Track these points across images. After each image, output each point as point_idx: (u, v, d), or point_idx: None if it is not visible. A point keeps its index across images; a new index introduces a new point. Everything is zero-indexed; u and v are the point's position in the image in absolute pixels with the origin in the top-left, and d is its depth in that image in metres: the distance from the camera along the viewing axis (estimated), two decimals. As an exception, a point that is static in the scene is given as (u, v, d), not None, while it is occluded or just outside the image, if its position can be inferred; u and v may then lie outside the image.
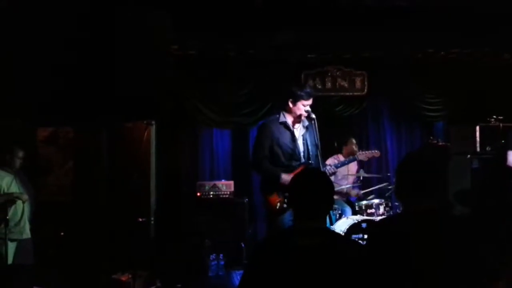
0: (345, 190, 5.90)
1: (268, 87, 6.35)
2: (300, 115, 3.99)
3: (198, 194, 5.97)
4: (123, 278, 4.93)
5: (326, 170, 4.06)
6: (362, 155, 4.39)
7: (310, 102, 4.00)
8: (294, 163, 3.99)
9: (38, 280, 4.76)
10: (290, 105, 4.01)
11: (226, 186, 6.04)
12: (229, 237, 5.73)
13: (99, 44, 5.59)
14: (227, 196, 5.98)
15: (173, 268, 5.23)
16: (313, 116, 3.97)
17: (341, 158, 5.94)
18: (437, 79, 6.61)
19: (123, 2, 5.18)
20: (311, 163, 3.96)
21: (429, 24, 5.73)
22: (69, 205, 5.79)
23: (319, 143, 3.95)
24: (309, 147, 4.02)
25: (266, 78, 6.36)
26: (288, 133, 4.02)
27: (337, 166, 4.23)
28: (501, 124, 5.41)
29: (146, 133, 5.46)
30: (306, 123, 4.07)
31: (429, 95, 6.68)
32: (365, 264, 2.02)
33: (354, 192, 5.99)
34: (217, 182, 6.10)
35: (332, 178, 4.68)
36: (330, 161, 5.62)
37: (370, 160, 4.65)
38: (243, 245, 5.72)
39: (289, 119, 4.05)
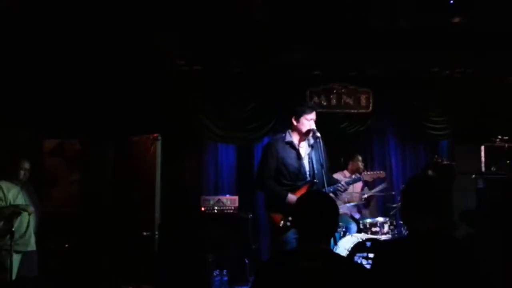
0: (349, 210, 5.89)
1: (273, 103, 6.40)
2: (308, 132, 4.00)
3: (203, 208, 5.97)
4: (127, 292, 4.93)
5: (338, 187, 4.07)
6: (368, 176, 4.41)
7: (313, 116, 4.02)
8: (299, 182, 4.00)
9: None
10: (294, 122, 4.04)
11: (230, 201, 6.04)
12: (233, 253, 5.70)
13: (107, 59, 5.67)
14: (231, 211, 5.97)
15: (177, 282, 5.21)
16: (318, 134, 3.99)
17: (347, 174, 5.95)
18: (441, 98, 6.65)
19: (131, 18, 5.24)
20: (316, 181, 3.96)
21: (433, 43, 5.79)
22: (74, 217, 5.80)
23: (324, 162, 3.97)
24: (315, 166, 4.03)
25: (271, 94, 6.41)
26: (293, 152, 4.04)
27: (348, 184, 4.25)
28: (506, 145, 5.42)
29: (152, 147, 5.50)
30: (312, 141, 4.08)
31: (433, 113, 6.70)
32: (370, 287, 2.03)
33: (356, 198, 5.96)
34: (221, 197, 6.10)
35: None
36: (336, 177, 5.62)
37: (374, 180, 4.67)
38: (247, 261, 5.70)
39: (295, 138, 4.07)
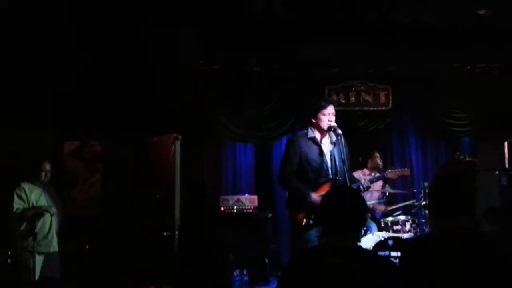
0: (371, 206, 5.84)
1: (292, 101, 6.37)
2: (329, 128, 3.97)
3: (222, 208, 5.96)
4: (148, 292, 4.94)
5: (361, 184, 4.04)
6: (392, 173, 4.34)
7: (330, 110, 3.99)
8: (322, 179, 3.97)
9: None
10: (313, 120, 4.03)
11: (249, 200, 6.02)
12: (252, 252, 5.68)
13: (126, 60, 5.69)
14: (250, 210, 5.96)
15: (197, 282, 5.21)
16: (339, 131, 3.95)
17: (366, 172, 5.89)
18: (463, 94, 6.53)
19: (151, 18, 5.26)
20: (338, 179, 3.93)
21: (454, 38, 5.70)
22: (94, 218, 5.84)
23: (346, 159, 3.93)
24: (337, 163, 3.99)
25: (290, 93, 6.38)
26: (316, 148, 4.01)
27: (372, 181, 4.20)
28: (529, 140, 5.29)
29: (172, 147, 5.51)
30: (334, 138, 4.05)
31: (454, 110, 6.59)
32: (398, 284, 2.00)
33: (380, 208, 5.92)
34: (240, 197, 6.09)
35: None
36: (355, 175, 5.58)
37: (397, 177, 4.59)
38: (266, 260, 5.68)
39: (317, 134, 4.05)
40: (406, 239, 4.87)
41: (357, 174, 5.70)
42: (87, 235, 5.68)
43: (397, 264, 2.38)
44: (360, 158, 6.13)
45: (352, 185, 3.97)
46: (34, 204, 4.75)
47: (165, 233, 5.30)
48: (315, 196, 3.84)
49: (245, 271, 5.50)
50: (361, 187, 4.02)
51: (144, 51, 5.65)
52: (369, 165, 6.09)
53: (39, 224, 4.67)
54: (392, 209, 5.82)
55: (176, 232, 5.53)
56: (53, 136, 5.97)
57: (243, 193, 6.29)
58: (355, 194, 2.25)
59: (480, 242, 2.11)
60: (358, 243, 4.42)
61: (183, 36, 5.58)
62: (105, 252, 5.60)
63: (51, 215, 4.79)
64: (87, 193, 6.19)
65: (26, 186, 4.77)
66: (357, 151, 6.21)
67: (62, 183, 5.85)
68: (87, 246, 5.55)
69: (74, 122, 5.84)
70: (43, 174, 4.85)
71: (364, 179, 4.19)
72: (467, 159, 5.87)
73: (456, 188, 2.20)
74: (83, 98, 5.72)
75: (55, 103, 5.67)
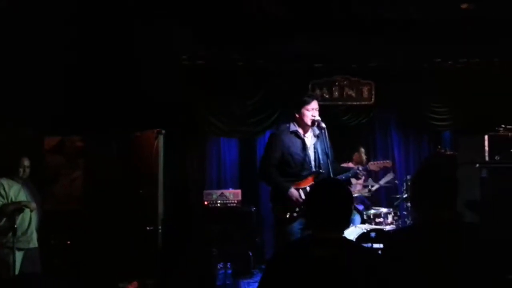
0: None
1: (275, 96, 6.38)
2: (313, 122, 3.98)
3: (206, 202, 5.96)
4: (131, 287, 4.90)
5: (358, 171, 4.16)
6: (374, 165, 4.37)
7: (314, 105, 3.99)
8: (305, 172, 3.97)
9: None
10: (297, 115, 4.04)
11: (233, 194, 6.03)
12: (236, 246, 5.70)
13: (109, 54, 5.62)
14: (234, 204, 5.97)
15: (181, 276, 5.19)
16: (323, 125, 3.96)
17: (351, 166, 5.92)
18: (444, 89, 6.62)
19: (134, 14, 5.20)
20: (322, 172, 3.94)
21: (436, 34, 5.74)
22: (76, 214, 5.78)
23: (329, 152, 3.94)
24: (320, 156, 4.00)
25: (274, 88, 6.39)
26: (299, 141, 4.02)
27: (365, 169, 4.25)
28: (509, 133, 5.37)
29: (155, 142, 5.47)
30: (317, 132, 4.06)
31: (436, 104, 6.68)
32: (383, 275, 2.00)
33: (364, 191, 5.94)
34: (224, 191, 6.09)
35: None
36: None
37: (380, 169, 4.63)
38: (250, 254, 5.70)
39: (300, 129, 4.05)
40: (389, 231, 4.92)
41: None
42: (69, 230, 5.62)
43: (381, 255, 2.39)
44: (346, 151, 6.18)
45: (345, 174, 4.05)
46: (13, 199, 4.68)
47: (148, 228, 5.26)
48: (294, 191, 3.86)
49: (229, 265, 5.51)
50: (358, 173, 4.12)
51: (127, 47, 5.59)
52: (354, 158, 6.14)
53: (18, 220, 4.60)
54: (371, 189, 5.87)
55: (160, 227, 5.49)
56: (33, 132, 5.88)
57: (227, 188, 6.29)
58: (341, 186, 2.24)
59: (463, 233, 2.14)
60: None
61: (167, 31, 5.53)
62: (87, 247, 5.55)
63: (31, 211, 4.73)
64: (68, 188, 6.12)
65: (4, 182, 4.69)
66: (340, 145, 6.29)
67: (43, 178, 5.78)
68: (68, 242, 5.48)
69: (55, 117, 5.76)
70: (21, 170, 4.78)
71: (359, 168, 4.23)
72: (449, 152, 5.95)
73: (438, 179, 2.22)
74: (63, 93, 5.64)
75: (36, 98, 5.59)
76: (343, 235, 2.16)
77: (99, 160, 5.95)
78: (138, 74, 5.74)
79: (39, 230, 4.88)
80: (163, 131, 5.65)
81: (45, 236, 5.01)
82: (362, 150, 6.15)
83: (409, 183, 4.94)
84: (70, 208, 5.88)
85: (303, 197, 3.84)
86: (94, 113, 5.80)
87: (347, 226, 2.20)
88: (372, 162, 4.43)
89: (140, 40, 5.52)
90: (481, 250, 2.09)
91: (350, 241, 2.27)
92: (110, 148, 5.95)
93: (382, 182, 5.83)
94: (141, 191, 5.24)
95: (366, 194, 6.03)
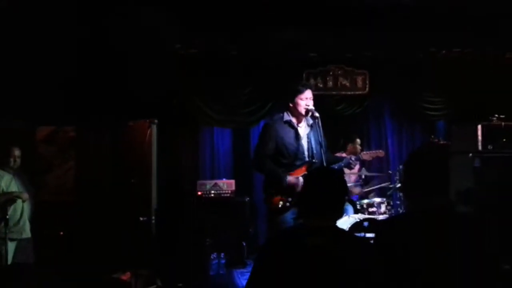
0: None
1: (270, 86, 6.34)
2: (307, 112, 3.96)
3: (199, 193, 5.94)
4: (124, 277, 4.91)
5: (351, 161, 4.17)
6: (366, 155, 4.38)
7: (307, 94, 3.98)
8: (298, 162, 3.97)
9: (38, 280, 4.72)
10: (290, 104, 4.02)
11: (227, 185, 6.01)
12: (230, 236, 5.71)
13: (102, 43, 5.57)
14: (228, 195, 5.96)
15: (174, 267, 5.20)
16: (317, 114, 3.95)
17: (344, 156, 5.92)
18: (438, 78, 6.61)
19: (125, 2, 5.14)
20: (315, 161, 3.93)
21: (430, 23, 5.72)
22: (69, 204, 5.76)
23: (323, 142, 3.93)
24: (313, 146, 4.00)
25: (268, 77, 6.35)
26: (292, 131, 4.01)
27: (357, 159, 4.24)
28: (503, 123, 5.38)
29: (148, 132, 5.44)
30: (310, 121, 4.05)
31: (430, 94, 6.68)
32: (375, 263, 2.00)
33: (356, 190, 5.98)
34: (218, 181, 6.08)
35: None
36: None
37: (372, 159, 4.63)
38: (244, 244, 5.71)
39: (294, 118, 4.04)
40: (381, 220, 4.93)
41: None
42: (62, 221, 5.61)
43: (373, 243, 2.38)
44: (341, 140, 6.17)
45: (339, 164, 4.07)
46: (5, 190, 4.67)
47: (141, 218, 5.25)
48: (291, 178, 3.86)
49: (222, 255, 5.52)
50: (351, 163, 4.13)
51: (120, 35, 5.53)
52: (348, 148, 6.13)
53: (10, 210, 4.59)
54: (367, 191, 5.88)
55: (153, 217, 5.49)
56: (25, 122, 5.84)
57: (221, 178, 6.28)
58: (334, 174, 2.24)
59: (455, 221, 2.13)
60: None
61: (160, 20, 5.48)
62: (80, 238, 5.54)
63: (23, 201, 4.71)
64: (61, 179, 6.10)
65: (-5, 172, 4.67)
66: (335, 135, 6.29)
67: (36, 169, 5.75)
68: (61, 232, 5.47)
69: (47, 107, 5.72)
70: (11, 160, 4.76)
71: (351, 158, 4.23)
72: (442, 142, 5.95)
73: (430, 166, 2.20)
74: (56, 83, 5.59)
75: (28, 89, 5.54)
76: (335, 224, 2.15)
77: (92, 150, 5.92)
78: (132, 63, 5.69)
79: (32, 220, 4.86)
80: (156, 121, 5.62)
81: (38, 227, 4.99)
82: (358, 141, 6.14)
83: (402, 173, 4.94)
84: (63, 198, 5.87)
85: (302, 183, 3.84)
86: (87, 103, 5.76)
87: (339, 215, 2.19)
88: (364, 152, 4.43)
89: (134, 28, 5.47)
90: (474, 239, 2.08)
91: (342, 230, 2.26)
92: (103, 138, 5.93)
93: (372, 188, 5.87)
94: (132, 180, 5.21)
95: (359, 183, 6.04)
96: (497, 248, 2.17)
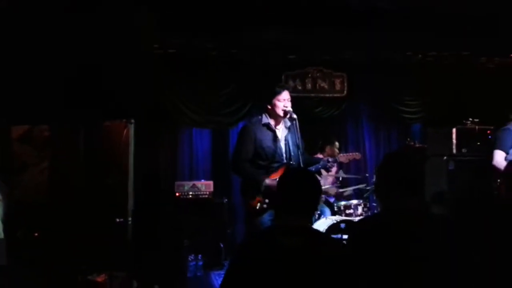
0: (324, 190, 5.93)
1: (249, 87, 6.35)
2: (285, 114, 3.97)
3: (177, 194, 5.92)
4: (99, 279, 4.84)
5: (328, 163, 4.20)
6: (344, 157, 4.43)
7: (285, 95, 3.99)
8: (276, 164, 3.99)
9: (11, 281, 4.64)
10: (268, 106, 4.04)
11: (205, 186, 6.00)
12: (208, 238, 5.70)
13: (77, 41, 5.49)
14: (206, 196, 5.94)
15: (151, 268, 5.16)
16: (295, 116, 3.97)
17: (322, 157, 5.96)
18: (415, 82, 6.71)
19: (104, 1, 5.09)
20: (292, 163, 3.96)
21: (407, 26, 5.79)
22: (44, 205, 5.66)
23: (300, 144, 3.95)
24: (291, 148, 4.02)
25: (247, 79, 6.36)
26: (270, 134, 4.02)
27: (334, 161, 4.27)
28: (477, 127, 5.51)
29: (125, 132, 5.38)
30: (288, 123, 4.07)
31: (407, 97, 6.78)
32: (348, 264, 2.02)
33: (332, 190, 6.02)
34: (196, 182, 6.05)
35: None
36: None
37: (349, 161, 4.69)
38: (222, 245, 5.70)
39: (272, 120, 4.06)
40: (355, 221, 4.98)
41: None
42: (36, 222, 5.50)
43: (347, 244, 2.40)
44: (320, 142, 6.21)
45: (316, 166, 4.10)
46: (-23, 190, 4.56)
47: (117, 220, 5.19)
48: (269, 180, 3.88)
49: (200, 256, 5.50)
50: (328, 165, 4.17)
51: (97, 33, 5.47)
52: (326, 150, 6.18)
53: (-18, 211, 4.48)
54: (344, 192, 5.93)
55: (130, 219, 5.42)
56: (-1, 120, 5.72)
57: (199, 179, 6.26)
58: (308, 175, 2.26)
59: (429, 222, 2.15)
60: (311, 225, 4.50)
61: (138, 18, 5.43)
62: (55, 239, 5.45)
63: (-3, 201, 4.61)
64: (37, 179, 5.98)
65: (-33, 172, 4.57)
66: (312, 137, 6.33)
67: (10, 169, 5.63)
68: (35, 233, 5.37)
69: (22, 105, 5.61)
70: (-15, 160, 4.66)
71: (329, 159, 4.27)
72: (418, 145, 6.05)
73: (404, 167, 2.23)
74: (31, 81, 5.49)
75: (2, 86, 5.43)
76: (310, 225, 2.17)
77: (67, 150, 5.83)
78: (109, 61, 5.63)
79: (5, 221, 4.76)
80: (133, 121, 5.57)
81: (11, 228, 4.89)
82: (337, 144, 6.19)
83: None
84: (38, 199, 5.76)
85: None
86: (62, 102, 5.67)
87: (313, 214, 2.21)
88: (341, 154, 4.48)
89: (112, 27, 5.41)
90: (447, 241, 2.11)
91: (316, 230, 2.28)
92: (79, 138, 5.84)
93: (349, 189, 5.93)
94: (109, 181, 5.15)
95: (336, 185, 6.09)
96: (470, 249, 2.22)
